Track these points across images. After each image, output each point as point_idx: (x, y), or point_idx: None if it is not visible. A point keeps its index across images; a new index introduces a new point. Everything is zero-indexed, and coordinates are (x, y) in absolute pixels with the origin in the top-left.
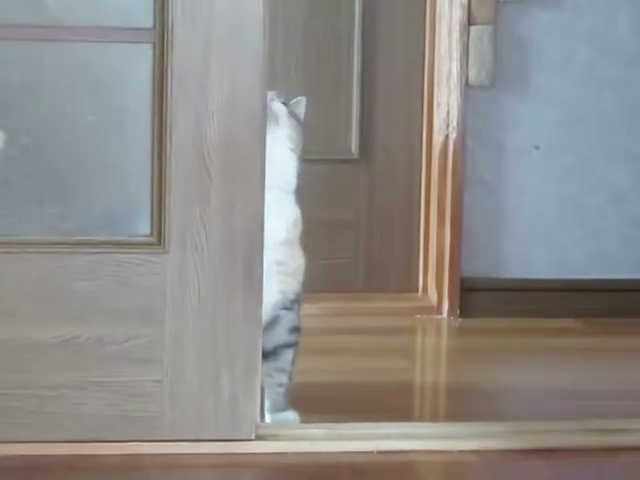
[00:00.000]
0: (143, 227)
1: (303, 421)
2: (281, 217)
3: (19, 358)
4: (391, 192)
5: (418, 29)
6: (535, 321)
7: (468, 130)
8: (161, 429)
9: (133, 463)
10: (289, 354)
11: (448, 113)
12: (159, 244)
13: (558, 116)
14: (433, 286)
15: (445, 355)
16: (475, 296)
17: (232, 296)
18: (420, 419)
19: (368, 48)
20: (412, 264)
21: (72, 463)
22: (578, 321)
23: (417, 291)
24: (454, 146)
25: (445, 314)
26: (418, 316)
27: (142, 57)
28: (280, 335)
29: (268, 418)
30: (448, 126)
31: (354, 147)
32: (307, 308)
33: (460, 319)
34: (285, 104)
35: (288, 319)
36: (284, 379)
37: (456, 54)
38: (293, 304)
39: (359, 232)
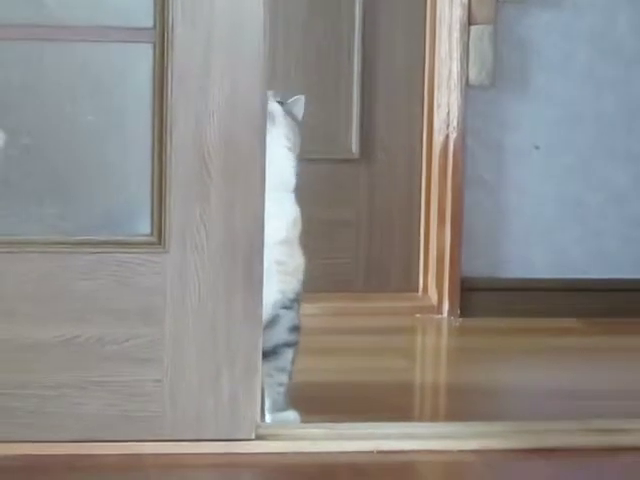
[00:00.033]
0: (143, 227)
1: (303, 421)
2: (280, 216)
3: (19, 358)
4: (391, 192)
5: (418, 29)
6: (535, 321)
7: (468, 130)
8: (161, 429)
9: (133, 463)
10: (289, 353)
11: (448, 113)
12: (159, 244)
13: (558, 116)
14: (433, 286)
15: (445, 355)
16: (475, 296)
17: (232, 296)
18: (420, 419)
19: (368, 47)
20: (412, 264)
21: (72, 463)
22: (578, 321)
23: (417, 291)
24: (454, 146)
25: (445, 314)
26: (418, 316)
27: (142, 57)
28: (280, 334)
29: (268, 418)
30: (448, 126)
31: (354, 147)
32: (307, 308)
33: (460, 319)
34: (282, 103)
35: (288, 318)
36: (284, 378)
37: (456, 54)
38: (293, 303)
39: (359, 232)
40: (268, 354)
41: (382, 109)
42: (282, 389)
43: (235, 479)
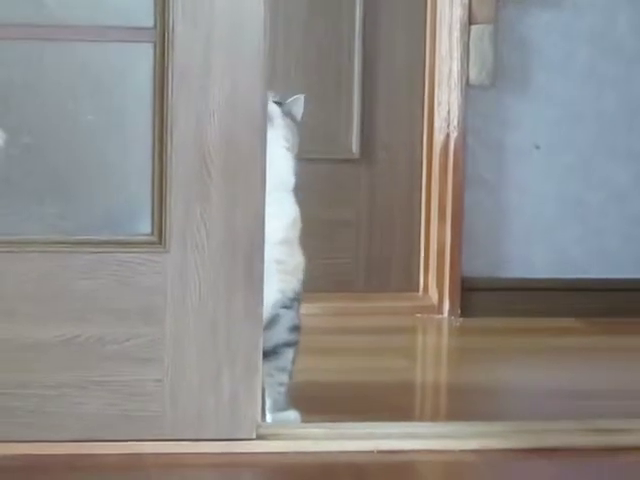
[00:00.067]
0: (144, 226)
1: (304, 420)
2: (280, 216)
3: (20, 357)
4: (392, 191)
5: (419, 28)
6: (536, 320)
7: (469, 129)
8: (162, 428)
9: (134, 462)
10: (289, 353)
11: (449, 112)
12: (160, 243)
13: (558, 115)
14: (434, 285)
15: (446, 355)
16: (476, 295)
17: (233, 295)
18: (421, 419)
19: (369, 47)
20: (413, 263)
21: (73, 463)
22: (578, 320)
23: (418, 290)
24: (455, 145)
25: (446, 313)
26: (419, 315)
27: (143, 56)
28: (280, 334)
29: (269, 417)
30: (449, 125)
31: (355, 146)
32: (308, 307)
33: (461, 318)
34: (280, 103)
35: (288, 318)
36: (285, 378)
37: (457, 53)
38: (293, 303)
39: (360, 231)
40: (268, 354)
41: (382, 109)
42: (283, 389)
43: (236, 479)
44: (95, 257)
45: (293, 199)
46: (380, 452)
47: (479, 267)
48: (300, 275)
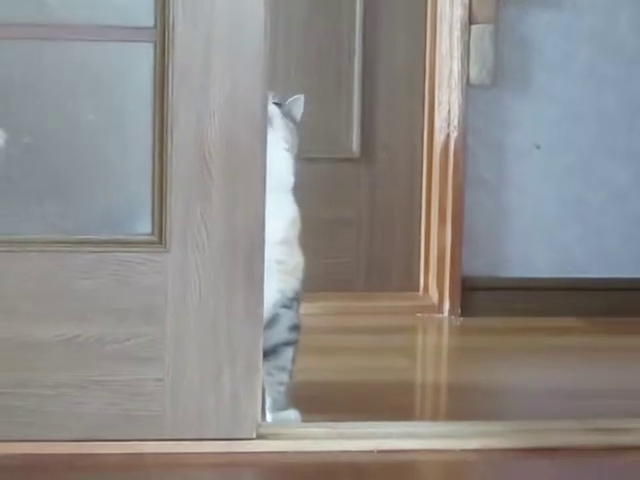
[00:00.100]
0: (144, 226)
1: (304, 420)
2: (279, 217)
3: (20, 357)
4: (392, 191)
5: (419, 28)
6: (536, 320)
7: (469, 129)
8: (162, 428)
9: (134, 462)
10: (289, 352)
11: (449, 112)
12: (160, 243)
13: (559, 115)
14: (434, 285)
15: (446, 354)
16: (476, 295)
17: (233, 294)
18: (421, 418)
19: (369, 47)
20: (413, 263)
21: (73, 462)
22: (579, 320)
23: (418, 290)
24: (455, 145)
25: (446, 313)
26: (419, 315)
27: (143, 56)
28: (280, 333)
29: (269, 417)
30: (449, 125)
31: (355, 146)
32: (308, 307)
33: (461, 318)
34: (280, 104)
35: (288, 317)
36: (285, 377)
37: (457, 53)
38: (292, 302)
39: (360, 231)
40: (268, 353)
41: (383, 108)
42: (283, 388)
43: (236, 478)
44: (95, 256)
45: (292, 199)
46: (380, 452)
47: (479, 267)
48: (299, 275)
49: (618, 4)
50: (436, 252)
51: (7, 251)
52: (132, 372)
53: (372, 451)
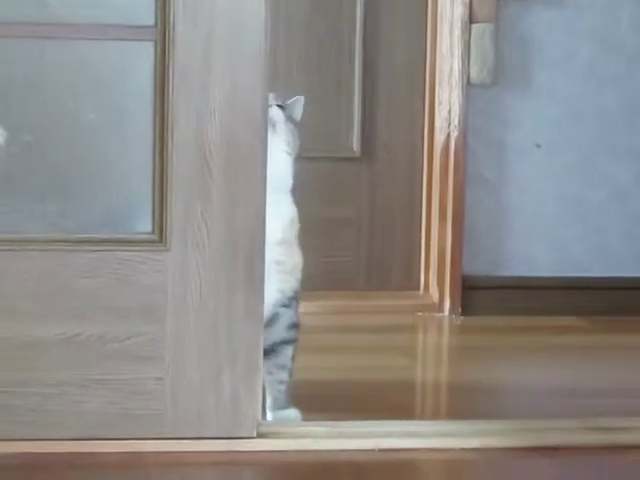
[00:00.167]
0: (144, 225)
1: (304, 419)
2: (278, 218)
3: (20, 356)
4: (392, 190)
5: (419, 27)
6: (536, 319)
7: (469, 128)
8: (162, 427)
9: (134, 461)
10: (289, 351)
11: (449, 111)
12: (160, 242)
13: (560, 113)
14: (434, 284)
15: (446, 353)
16: (476, 294)
17: (233, 294)
18: (421, 417)
19: (370, 46)
20: (413, 262)
21: (73, 461)
22: (579, 319)
23: (418, 289)
24: (455, 144)
25: (446, 312)
26: (419, 314)
27: (144, 55)
28: (279, 332)
29: (269, 416)
30: (449, 124)
31: (355, 145)
32: (308, 306)
33: (461, 317)
34: (282, 107)
35: (287, 316)
36: (284, 376)
37: (457, 52)
38: (291, 301)
39: (360, 230)
40: (268, 352)
41: (383, 107)
42: (283, 387)
43: (236, 477)
44: (96, 255)
45: (291, 200)
46: (381, 450)
47: (480, 265)
48: (298, 274)
49: (619, 3)
50: (436, 251)
51: (8, 250)
52: (132, 371)
53: (372, 450)
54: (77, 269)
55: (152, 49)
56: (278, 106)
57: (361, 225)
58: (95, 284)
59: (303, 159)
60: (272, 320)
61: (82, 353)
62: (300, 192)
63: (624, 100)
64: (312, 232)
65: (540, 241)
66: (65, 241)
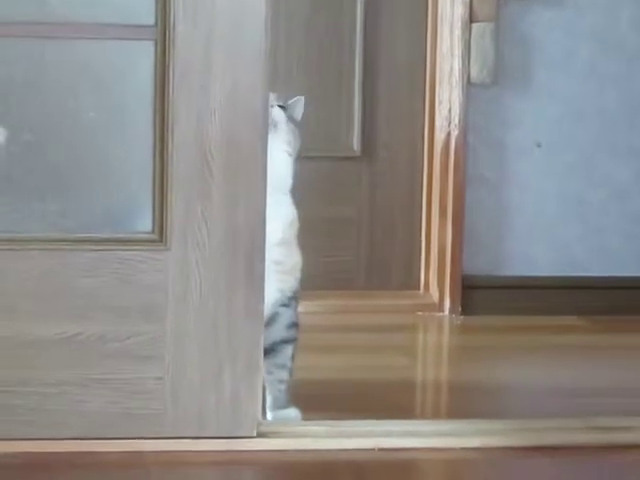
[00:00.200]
0: (145, 224)
1: (304, 418)
2: (277, 218)
3: (21, 355)
4: (393, 189)
5: (420, 26)
6: (536, 319)
7: (470, 127)
8: (163, 426)
9: (135, 460)
10: (288, 350)
11: (450, 110)
12: (161, 241)
13: (560, 113)
14: (435, 283)
15: (446, 353)
16: (477, 293)
17: (234, 293)
18: (421, 416)
19: (370, 45)
20: (414, 261)
21: (73, 460)
22: (580, 319)
23: (419, 288)
24: (456, 143)
25: (447, 311)
26: (419, 313)
27: (144, 54)
28: (279, 331)
29: (269, 415)
30: (450, 123)
31: (356, 144)
32: (308, 305)
33: (461, 316)
34: (284, 107)
35: (286, 315)
36: (284, 375)
37: (458, 51)
38: (291, 301)
39: (361, 229)
40: (267, 351)
41: (384, 106)
42: (283, 386)
43: (236, 476)
44: (96, 255)
45: (290, 200)
46: (381, 450)
47: (480, 265)
48: (298, 274)
49: (619, 3)
50: (437, 250)
51: (8, 249)
52: (133, 370)
53: (372, 449)
54: (77, 268)
55: (152, 48)
56: (279, 106)
57: (361, 224)
58: (95, 283)
59: (303, 158)
60: (272, 319)
61: (82, 352)
62: (300, 192)
63: (624, 100)
64: (312, 231)
65: (540, 240)
66: (65, 240)
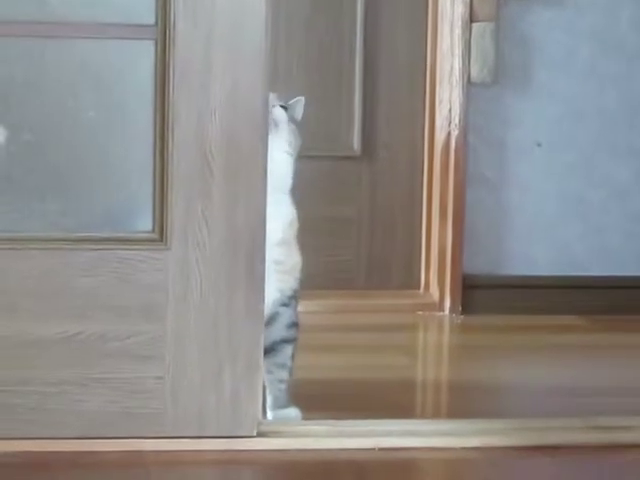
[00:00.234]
0: (145, 223)
1: (305, 418)
2: (277, 218)
3: (21, 354)
4: (393, 189)
5: (420, 26)
6: (537, 318)
7: (470, 127)
8: (163, 426)
9: (134, 460)
10: (288, 349)
11: (450, 110)
12: (161, 240)
13: (560, 113)
14: (435, 283)
15: (447, 352)
16: (477, 293)
17: (234, 292)
18: (422, 416)
19: (370, 45)
20: (414, 261)
21: (73, 460)
22: (580, 318)
23: (419, 288)
24: (456, 143)
25: (447, 311)
26: (420, 313)
27: (144, 54)
28: (279, 331)
29: (270, 415)
30: (450, 123)
31: (356, 144)
32: (309, 305)
33: (462, 316)
34: (285, 107)
35: (286, 315)
36: (284, 375)
37: (458, 51)
38: (291, 301)
39: (361, 229)
40: (267, 351)
41: (384, 106)
42: (283, 386)
43: (236, 476)
44: (96, 254)
45: (290, 200)
46: (381, 449)
47: (480, 264)
48: (297, 274)
49: (619, 3)
50: (437, 250)
51: (8, 249)
52: (133, 370)
53: (373, 449)
54: (77, 268)
55: (152, 48)
56: (281, 106)
57: (361, 224)
58: (95, 283)
59: (303, 158)
60: (272, 319)
61: (83, 352)
62: (300, 191)
63: (624, 99)
64: (313, 231)
65: (540, 240)
66: (65, 240)
